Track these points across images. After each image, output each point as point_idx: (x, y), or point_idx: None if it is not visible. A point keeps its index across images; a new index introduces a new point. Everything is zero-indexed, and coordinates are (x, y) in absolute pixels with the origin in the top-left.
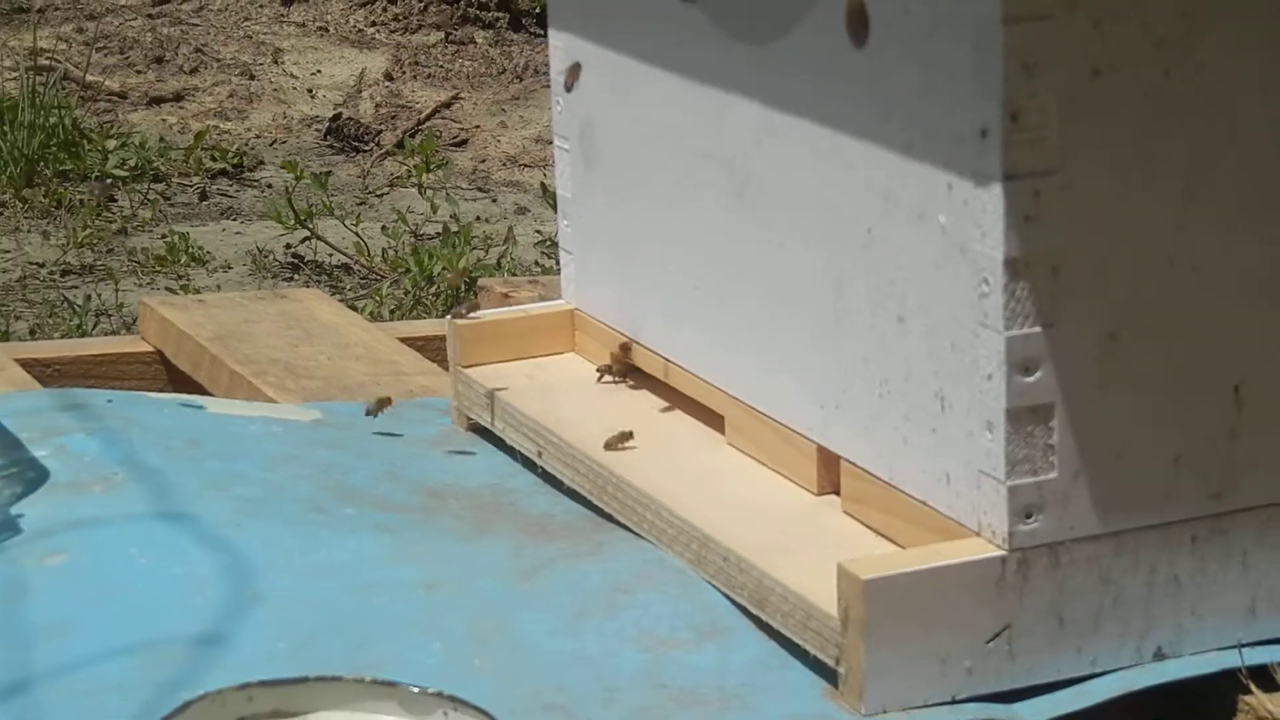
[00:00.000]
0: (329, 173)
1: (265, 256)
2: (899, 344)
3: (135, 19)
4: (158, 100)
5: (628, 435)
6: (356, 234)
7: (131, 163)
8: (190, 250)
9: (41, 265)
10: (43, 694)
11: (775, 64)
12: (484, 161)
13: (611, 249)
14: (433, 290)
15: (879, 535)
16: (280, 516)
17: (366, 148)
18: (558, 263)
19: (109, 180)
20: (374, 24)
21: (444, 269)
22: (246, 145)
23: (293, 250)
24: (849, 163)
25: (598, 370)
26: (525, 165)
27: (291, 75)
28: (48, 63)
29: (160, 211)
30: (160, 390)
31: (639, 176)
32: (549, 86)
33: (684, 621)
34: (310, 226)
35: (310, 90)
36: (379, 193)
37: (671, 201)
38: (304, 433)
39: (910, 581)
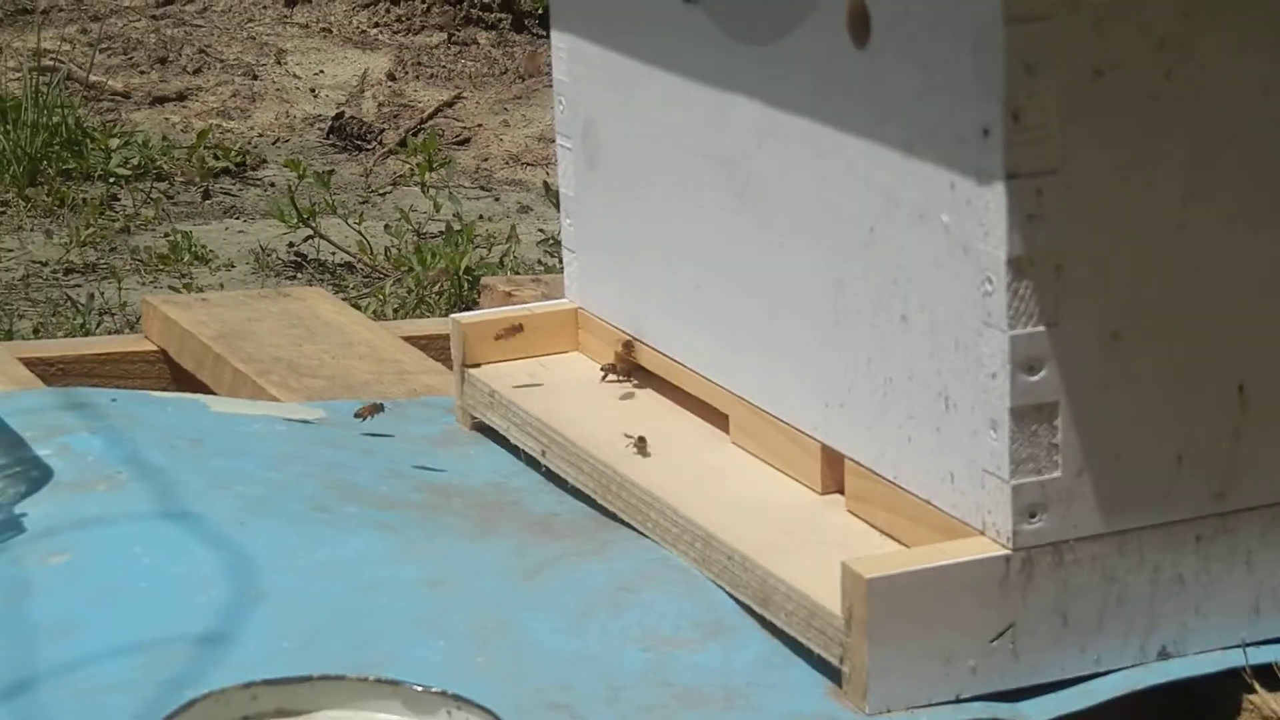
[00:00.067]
0: (332, 171)
1: (268, 255)
2: (901, 343)
3: (139, 20)
4: (161, 100)
5: (643, 441)
6: (359, 232)
7: (134, 161)
8: (193, 249)
9: (45, 264)
10: (46, 693)
11: (776, 64)
12: (486, 160)
13: (614, 248)
14: (435, 289)
15: (883, 534)
16: (284, 515)
17: (369, 146)
18: (560, 261)
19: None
20: (377, 25)
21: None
22: (249, 144)
23: (296, 249)
24: (850, 162)
25: (601, 369)
26: (528, 164)
27: (294, 75)
28: (51, 63)
29: (163, 210)
30: (164, 389)
31: (640, 176)
32: (550, 86)
33: (688, 620)
34: (313, 225)
35: (313, 90)
36: (382, 191)
37: (673, 201)
38: (307, 431)
39: (914, 580)
